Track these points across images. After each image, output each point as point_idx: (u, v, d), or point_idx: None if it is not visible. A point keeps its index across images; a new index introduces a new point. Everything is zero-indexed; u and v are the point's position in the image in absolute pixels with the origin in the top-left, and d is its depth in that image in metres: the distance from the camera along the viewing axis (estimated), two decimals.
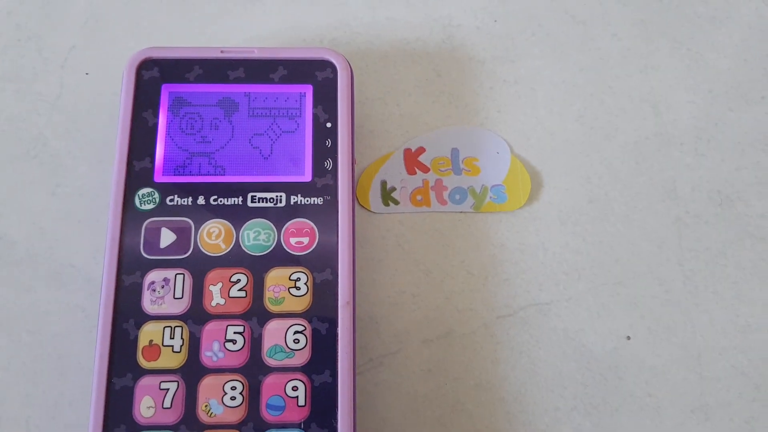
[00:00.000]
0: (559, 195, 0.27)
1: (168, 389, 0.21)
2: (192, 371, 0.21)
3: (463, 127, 0.28)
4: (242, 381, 0.21)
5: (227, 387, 0.21)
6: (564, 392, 0.25)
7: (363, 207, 0.27)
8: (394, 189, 0.27)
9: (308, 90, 0.24)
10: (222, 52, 0.24)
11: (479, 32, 0.30)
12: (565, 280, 0.26)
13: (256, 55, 0.24)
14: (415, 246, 0.27)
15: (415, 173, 0.27)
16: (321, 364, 0.21)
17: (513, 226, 0.27)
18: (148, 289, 0.22)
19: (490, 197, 0.27)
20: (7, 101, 0.28)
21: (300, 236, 0.23)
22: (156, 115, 0.24)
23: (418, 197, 0.27)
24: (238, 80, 0.24)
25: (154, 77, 0.24)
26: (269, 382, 0.21)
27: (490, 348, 0.25)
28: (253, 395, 0.21)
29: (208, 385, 0.21)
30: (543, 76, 0.29)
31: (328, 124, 0.24)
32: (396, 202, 0.27)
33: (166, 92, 0.24)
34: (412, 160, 0.27)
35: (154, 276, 0.22)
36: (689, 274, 0.27)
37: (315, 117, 0.24)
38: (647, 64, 0.30)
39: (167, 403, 0.21)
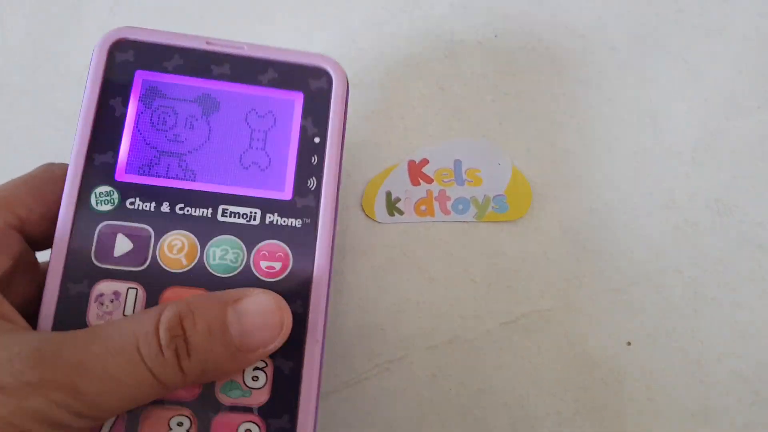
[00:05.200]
0: (560, 204, 0.28)
1: (104, 421, 0.19)
2: None
3: (466, 139, 0.29)
4: (190, 417, 0.19)
5: (173, 422, 0.19)
6: (566, 396, 0.26)
7: (369, 217, 0.28)
8: (398, 199, 0.28)
9: (298, 98, 0.22)
10: (208, 43, 0.22)
11: (481, 47, 0.30)
12: (566, 287, 0.27)
13: (246, 51, 0.22)
14: (420, 255, 0.27)
15: (419, 184, 0.28)
16: (280, 407, 0.19)
17: (515, 235, 0.28)
18: (95, 302, 0.19)
19: (493, 207, 0.28)
20: (25, 116, 0.29)
21: (272, 260, 0.20)
22: (125, 105, 0.21)
23: (422, 207, 0.28)
24: (222, 77, 0.22)
25: (128, 61, 0.21)
26: (220, 421, 0.19)
27: (494, 354, 0.26)
28: None
29: (150, 418, 0.19)
30: (543, 88, 0.30)
31: (317, 139, 0.22)
32: (401, 212, 0.28)
33: (139, 80, 0.21)
34: (416, 171, 0.28)
35: (104, 287, 0.19)
36: (688, 281, 0.27)
37: (303, 129, 0.22)
38: (645, 76, 0.30)
39: None
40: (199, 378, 0.18)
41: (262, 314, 0.19)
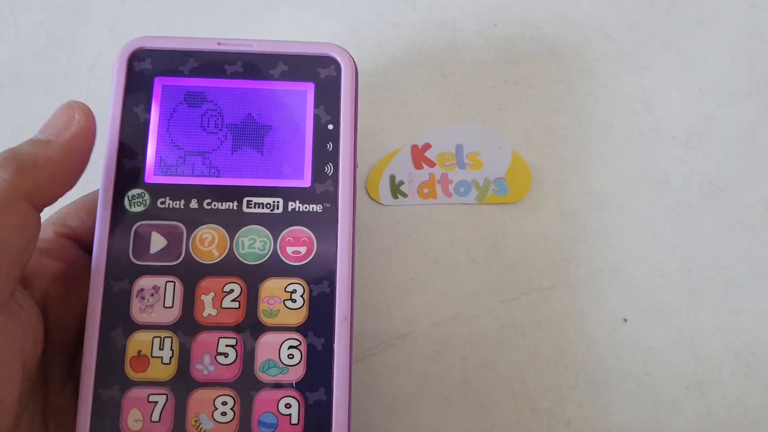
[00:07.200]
0: (559, 187, 0.29)
1: (157, 402, 0.20)
2: (182, 384, 0.20)
3: (467, 124, 0.30)
4: (234, 396, 0.20)
5: (218, 402, 0.20)
6: (565, 371, 0.27)
7: (373, 200, 0.29)
8: (402, 183, 0.29)
9: (310, 88, 0.23)
10: (219, 44, 0.23)
11: (481, 35, 0.31)
12: (565, 266, 0.28)
13: (255, 48, 0.23)
14: (423, 236, 0.28)
15: (422, 168, 0.29)
16: (316, 381, 0.20)
17: (515, 216, 0.29)
18: (137, 297, 0.21)
19: (493, 189, 0.29)
20: (38, 105, 0.30)
21: (297, 245, 0.21)
22: (148, 111, 0.22)
23: (425, 190, 0.29)
24: (235, 75, 0.23)
25: (147, 69, 0.23)
26: (261, 398, 0.20)
27: (495, 330, 0.27)
28: (244, 411, 0.20)
29: (198, 399, 0.20)
30: (541, 75, 0.31)
31: (330, 126, 0.22)
32: (404, 195, 0.29)
33: (159, 85, 0.22)
34: (419, 155, 0.29)
35: (144, 283, 0.21)
36: (682, 260, 0.28)
37: (316, 118, 0.23)
38: (640, 64, 0.31)
39: (155, 417, 0.20)
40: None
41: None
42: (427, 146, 0.29)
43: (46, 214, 0.23)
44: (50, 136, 0.20)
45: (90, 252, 0.22)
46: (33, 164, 0.19)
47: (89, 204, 0.23)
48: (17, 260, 0.18)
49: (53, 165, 0.19)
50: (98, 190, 0.22)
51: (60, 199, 0.23)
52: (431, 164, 0.29)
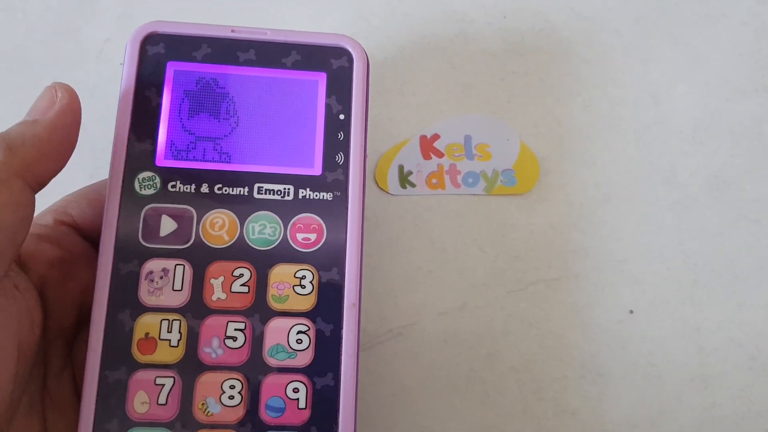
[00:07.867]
0: (566, 179, 0.29)
1: (163, 385, 0.20)
2: (189, 367, 0.20)
3: (476, 115, 0.30)
4: (241, 380, 0.20)
5: (225, 385, 0.20)
6: (572, 362, 0.27)
7: (382, 189, 0.29)
8: (410, 173, 0.29)
9: (322, 78, 0.23)
10: (233, 31, 0.23)
11: (490, 27, 0.31)
12: (572, 257, 0.28)
13: (269, 37, 0.23)
14: (431, 226, 0.28)
15: (431, 158, 0.29)
16: (324, 366, 0.21)
17: (523, 207, 0.29)
18: (145, 279, 0.21)
19: (501, 181, 0.29)
20: None
21: (307, 232, 0.22)
22: (160, 95, 0.22)
23: (434, 180, 0.29)
24: (248, 62, 0.23)
25: (159, 53, 0.23)
26: (269, 382, 0.20)
27: (502, 320, 0.27)
28: (252, 395, 0.20)
29: (205, 382, 0.20)
30: (550, 68, 0.31)
31: (341, 116, 0.23)
32: (413, 185, 0.29)
33: (171, 70, 0.23)
34: (428, 145, 0.29)
35: (153, 265, 0.21)
36: (688, 252, 0.28)
37: (328, 107, 0.23)
38: (647, 57, 0.31)
39: (162, 400, 0.20)
40: None
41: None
42: (436, 137, 0.29)
43: (47, 201, 0.23)
44: (36, 116, 0.20)
45: (89, 240, 0.23)
46: (21, 143, 0.19)
47: (91, 194, 0.23)
48: (11, 239, 0.18)
49: (41, 142, 0.19)
50: (102, 180, 0.23)
51: (63, 189, 0.24)
52: (440, 155, 0.29)
